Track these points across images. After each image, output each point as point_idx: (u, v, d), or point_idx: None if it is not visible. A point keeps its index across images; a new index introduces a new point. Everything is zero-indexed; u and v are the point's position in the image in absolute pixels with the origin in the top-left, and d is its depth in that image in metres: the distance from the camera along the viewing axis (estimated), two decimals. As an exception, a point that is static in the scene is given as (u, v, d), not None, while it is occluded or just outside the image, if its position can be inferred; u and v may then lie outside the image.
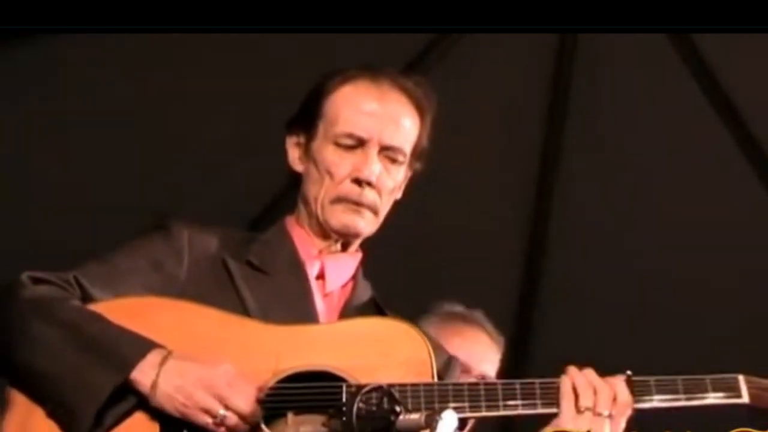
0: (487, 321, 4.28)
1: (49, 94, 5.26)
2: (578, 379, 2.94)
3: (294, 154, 3.22)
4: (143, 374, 2.79)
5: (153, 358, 2.80)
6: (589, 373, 2.96)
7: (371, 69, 3.22)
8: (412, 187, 3.27)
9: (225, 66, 5.45)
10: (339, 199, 3.12)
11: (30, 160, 5.34)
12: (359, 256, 3.22)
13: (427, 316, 4.11)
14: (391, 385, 2.75)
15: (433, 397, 2.84)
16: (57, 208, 5.36)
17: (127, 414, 2.81)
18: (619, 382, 2.95)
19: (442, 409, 2.60)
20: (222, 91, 5.43)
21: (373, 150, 3.12)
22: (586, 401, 2.91)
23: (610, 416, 2.93)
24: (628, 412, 2.96)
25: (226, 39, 5.15)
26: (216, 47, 5.30)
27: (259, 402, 2.80)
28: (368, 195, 3.12)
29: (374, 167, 3.11)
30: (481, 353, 4.16)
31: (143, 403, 2.81)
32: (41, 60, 5.20)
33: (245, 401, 2.78)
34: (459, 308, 4.27)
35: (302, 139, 3.20)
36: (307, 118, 3.19)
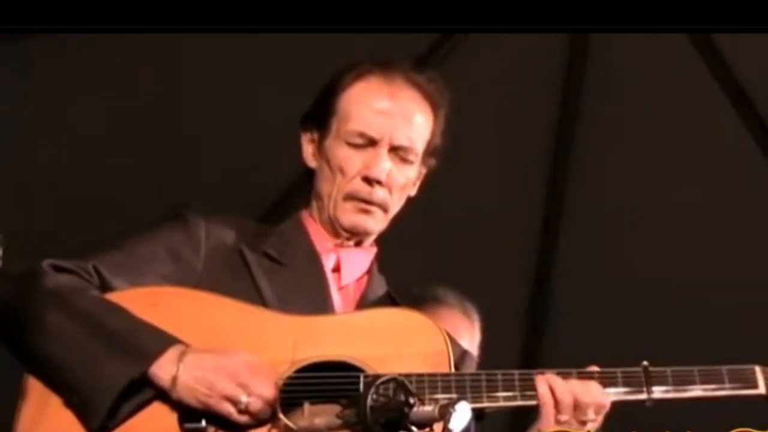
0: (454, 295, 4.18)
1: (64, 86, 5.31)
2: (557, 390, 2.93)
3: (308, 150, 3.23)
4: (163, 369, 2.80)
5: (172, 353, 2.81)
6: (571, 384, 2.94)
7: (384, 64, 3.21)
8: (426, 178, 3.28)
9: (235, 63, 5.49)
10: (349, 197, 3.13)
11: (49, 154, 5.38)
12: (374, 250, 3.23)
13: (422, 305, 3.84)
14: (408, 375, 2.77)
15: (450, 388, 2.86)
16: (74, 198, 5.40)
17: (143, 406, 2.82)
18: (593, 384, 2.95)
19: (455, 402, 2.60)
20: (233, 86, 5.47)
21: (383, 149, 3.12)
22: (565, 414, 2.92)
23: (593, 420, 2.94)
24: (604, 411, 2.97)
25: (236, 38, 5.18)
26: (228, 45, 5.34)
27: (279, 390, 2.81)
28: (378, 193, 3.13)
29: (384, 165, 3.11)
30: (459, 334, 4.03)
31: (161, 396, 2.81)
32: (55, 54, 5.25)
33: (268, 387, 2.80)
34: (428, 290, 4.15)
35: (316, 136, 3.21)
36: (320, 114, 3.20)
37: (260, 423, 2.81)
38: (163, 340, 2.84)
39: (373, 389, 2.64)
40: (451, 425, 2.58)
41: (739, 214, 5.77)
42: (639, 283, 5.90)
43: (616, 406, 3.00)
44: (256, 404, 2.80)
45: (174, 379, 2.79)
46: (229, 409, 2.79)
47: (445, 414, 2.59)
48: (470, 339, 4.13)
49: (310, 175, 3.24)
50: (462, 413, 2.60)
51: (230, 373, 2.80)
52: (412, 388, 2.70)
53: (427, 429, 2.65)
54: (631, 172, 5.87)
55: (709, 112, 5.69)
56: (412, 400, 2.64)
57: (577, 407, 2.92)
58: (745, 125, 5.68)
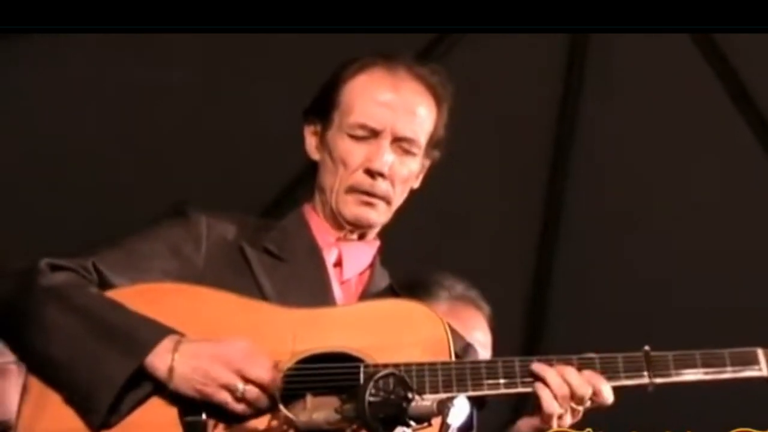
0: (477, 294, 4.13)
1: (64, 86, 5.32)
2: (554, 382, 2.91)
3: (311, 143, 3.22)
4: (159, 359, 2.78)
5: (167, 343, 2.80)
6: (566, 372, 2.92)
7: (387, 57, 3.20)
8: (429, 172, 3.27)
9: (236, 63, 5.50)
10: (351, 189, 3.12)
11: (49, 153, 5.39)
12: (377, 244, 3.22)
13: (435, 299, 3.88)
14: (408, 365, 2.77)
15: (450, 376, 2.84)
16: (74, 197, 5.41)
17: (144, 400, 2.81)
18: (594, 375, 2.93)
19: (453, 397, 2.62)
20: (233, 86, 5.48)
21: (385, 141, 3.11)
22: (562, 406, 2.90)
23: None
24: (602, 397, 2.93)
25: (236, 38, 5.19)
26: (228, 45, 5.36)
27: (279, 373, 2.80)
28: (380, 185, 3.12)
29: (386, 158, 3.10)
30: (483, 339, 3.98)
31: (160, 388, 2.80)
32: (54, 54, 5.26)
33: (264, 372, 2.79)
34: (461, 288, 4.08)
35: (318, 128, 3.20)
36: (323, 107, 3.19)
37: (259, 412, 2.80)
38: (157, 331, 2.82)
39: (371, 384, 2.63)
40: (449, 420, 2.59)
41: (740, 213, 5.77)
42: (639, 283, 5.91)
43: (616, 406, 2.98)
44: (252, 391, 2.78)
45: (170, 370, 2.78)
46: (226, 398, 2.78)
47: (443, 409, 2.59)
48: (485, 340, 4.13)
49: (313, 167, 3.23)
50: (460, 408, 2.60)
51: (226, 360, 2.78)
52: (413, 376, 2.71)
53: (425, 423, 2.65)
54: (631, 171, 5.87)
55: (709, 110, 5.70)
56: (410, 395, 2.63)
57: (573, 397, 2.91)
58: (745, 122, 5.68)
